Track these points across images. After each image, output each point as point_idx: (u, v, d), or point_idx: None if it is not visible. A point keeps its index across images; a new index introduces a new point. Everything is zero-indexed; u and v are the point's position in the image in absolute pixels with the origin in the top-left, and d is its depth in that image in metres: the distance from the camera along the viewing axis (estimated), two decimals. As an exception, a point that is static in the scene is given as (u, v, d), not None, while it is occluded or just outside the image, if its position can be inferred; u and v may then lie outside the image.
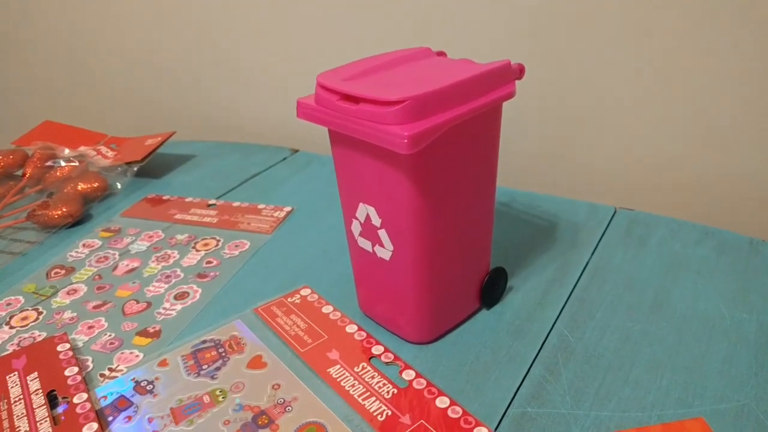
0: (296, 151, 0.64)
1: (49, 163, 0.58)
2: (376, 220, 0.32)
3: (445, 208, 0.31)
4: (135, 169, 0.59)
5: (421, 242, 0.31)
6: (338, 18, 0.61)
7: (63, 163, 0.58)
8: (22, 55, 0.94)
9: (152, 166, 0.62)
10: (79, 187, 0.55)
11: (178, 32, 0.74)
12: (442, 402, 0.30)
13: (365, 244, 0.34)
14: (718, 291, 0.37)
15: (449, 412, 0.30)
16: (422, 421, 0.29)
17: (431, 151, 0.28)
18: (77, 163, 0.58)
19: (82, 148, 0.63)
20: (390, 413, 0.30)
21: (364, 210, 0.32)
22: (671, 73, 0.47)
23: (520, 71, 0.32)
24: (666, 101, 0.49)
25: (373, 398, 0.31)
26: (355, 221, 0.34)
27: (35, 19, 0.88)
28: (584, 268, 0.40)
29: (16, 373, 0.35)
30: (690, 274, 0.39)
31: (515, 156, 0.56)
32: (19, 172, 0.59)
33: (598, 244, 0.42)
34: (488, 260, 0.36)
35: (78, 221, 0.52)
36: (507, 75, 0.31)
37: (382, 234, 0.32)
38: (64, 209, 0.51)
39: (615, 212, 0.46)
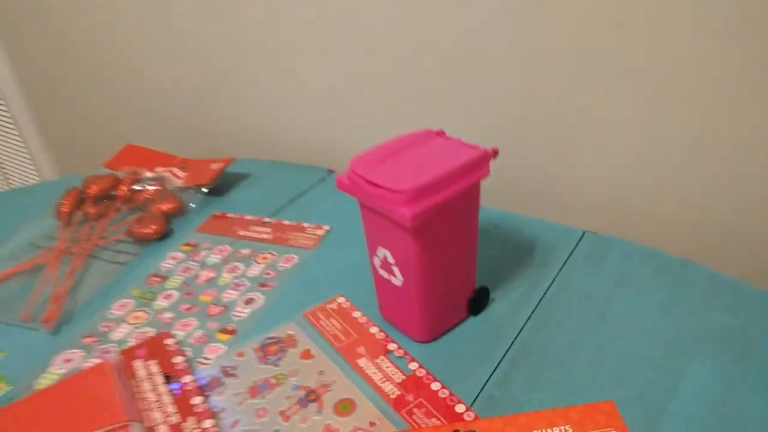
0: (332, 171, 0.77)
1: (136, 187, 0.73)
2: (391, 259, 0.45)
3: (439, 253, 0.44)
4: (204, 190, 0.73)
5: (423, 277, 0.44)
6: (370, 64, 0.73)
7: (147, 186, 0.73)
8: (96, 88, 1.09)
9: (215, 185, 0.76)
10: (162, 208, 0.69)
11: (224, 67, 0.87)
12: (435, 386, 0.44)
13: (383, 273, 0.47)
14: (650, 304, 0.49)
15: (440, 393, 0.43)
16: (421, 399, 0.43)
17: (430, 219, 0.41)
18: (158, 186, 0.73)
19: (158, 170, 0.77)
20: (399, 393, 0.44)
21: (382, 251, 0.46)
22: (637, 112, 0.58)
23: (494, 153, 0.44)
24: (631, 141, 0.60)
25: (388, 382, 0.45)
26: (376, 257, 0.47)
27: (104, 52, 1.03)
28: (551, 284, 0.52)
29: (139, 360, 0.50)
30: (631, 290, 0.51)
31: (506, 181, 0.68)
32: (114, 193, 0.74)
33: (565, 263, 0.55)
34: (474, 281, 0.49)
35: (164, 236, 0.67)
36: (484, 159, 0.44)
37: (395, 269, 0.45)
38: (153, 227, 0.66)
39: (583, 235, 0.58)
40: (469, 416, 0.41)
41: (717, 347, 0.44)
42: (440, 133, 0.48)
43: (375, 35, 0.71)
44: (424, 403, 0.43)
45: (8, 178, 1.62)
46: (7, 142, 1.48)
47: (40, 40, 1.15)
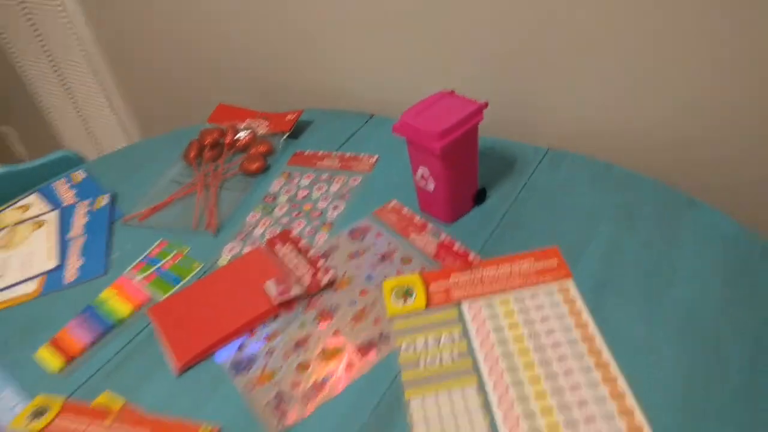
0: (372, 115, 1.06)
1: (237, 136, 1.03)
2: (426, 174, 0.76)
3: (455, 168, 0.75)
4: (286, 136, 1.03)
5: (446, 183, 0.75)
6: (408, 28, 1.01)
7: (243, 134, 1.03)
8: (171, 59, 1.37)
9: (292, 131, 1.05)
10: (260, 150, 1.00)
11: (282, 29, 1.15)
12: (456, 246, 0.76)
13: (422, 183, 0.78)
14: (583, 192, 0.80)
15: (458, 249, 0.76)
16: (448, 253, 0.75)
17: (450, 148, 0.71)
18: (251, 134, 1.03)
19: (248, 122, 1.07)
20: (435, 251, 0.76)
21: (421, 169, 0.76)
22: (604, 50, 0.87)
23: (485, 105, 0.74)
24: (589, 85, 0.88)
25: (429, 245, 0.77)
26: (417, 173, 0.78)
27: (178, 27, 1.29)
28: (525, 184, 0.83)
29: (278, 245, 0.82)
30: (573, 185, 0.82)
31: (496, 118, 0.97)
32: (221, 141, 1.04)
33: (534, 170, 0.85)
34: (476, 184, 0.80)
35: (265, 170, 0.98)
36: (480, 110, 0.73)
37: (429, 180, 0.76)
38: (257, 164, 0.97)
39: (546, 151, 0.88)
40: (476, 260, 0.74)
41: (618, 214, 0.75)
42: (451, 93, 0.77)
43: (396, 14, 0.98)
44: (450, 254, 0.75)
45: (98, 143, 1.91)
46: (96, 110, 1.77)
47: (120, 4, 1.42)
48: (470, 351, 0.63)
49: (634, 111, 0.86)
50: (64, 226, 0.94)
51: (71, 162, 1.16)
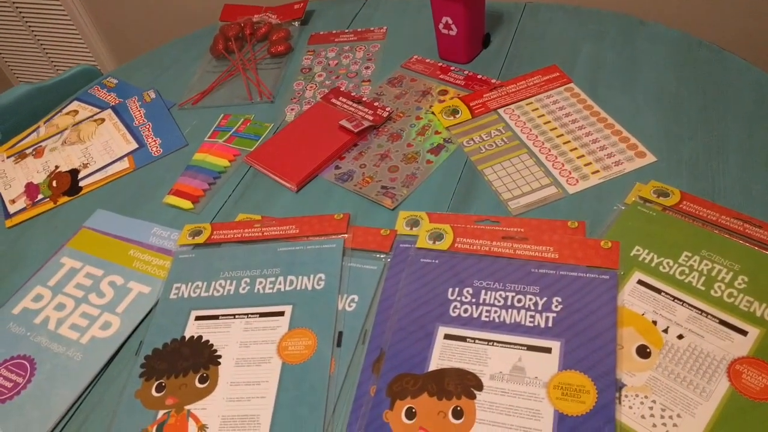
0: (368, -2, 1.24)
1: (257, 25, 1.17)
2: (450, 22, 0.96)
3: (473, 13, 0.95)
4: (299, 22, 1.18)
5: (467, 27, 0.96)
6: None
7: (261, 24, 1.17)
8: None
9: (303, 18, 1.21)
10: (281, 35, 1.15)
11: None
12: (478, 76, 0.98)
13: (445, 31, 0.98)
14: (562, 28, 1.04)
15: (481, 78, 0.97)
16: (476, 84, 0.97)
17: (468, -5, 0.92)
18: (266, 24, 1.17)
19: (257, 16, 1.21)
20: (464, 83, 0.98)
21: (445, 19, 0.97)
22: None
23: (489, -40, 0.94)
24: (543, -52, 1.11)
25: (458, 80, 0.98)
26: (441, 23, 0.98)
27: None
28: (517, 26, 1.06)
29: (333, 98, 1.00)
30: (556, 25, 1.05)
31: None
32: (242, 34, 1.17)
33: (520, 19, 1.08)
34: (484, 30, 1.02)
35: (290, 50, 1.14)
36: (486, -36, 0.94)
37: (453, 26, 0.97)
38: (283, 46, 1.12)
39: (525, 5, 1.11)
40: (498, 83, 0.96)
41: (593, 37, 1.00)
42: (459, -44, 0.97)
43: None
44: (476, 82, 0.97)
45: (57, 68, 1.91)
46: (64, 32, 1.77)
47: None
48: (515, 136, 0.86)
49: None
50: (125, 118, 1.06)
51: (92, 74, 1.25)
